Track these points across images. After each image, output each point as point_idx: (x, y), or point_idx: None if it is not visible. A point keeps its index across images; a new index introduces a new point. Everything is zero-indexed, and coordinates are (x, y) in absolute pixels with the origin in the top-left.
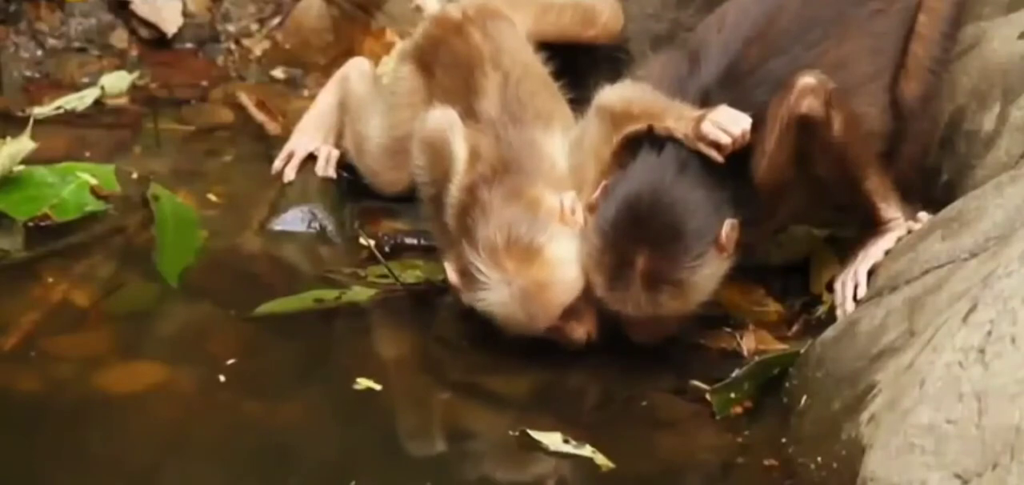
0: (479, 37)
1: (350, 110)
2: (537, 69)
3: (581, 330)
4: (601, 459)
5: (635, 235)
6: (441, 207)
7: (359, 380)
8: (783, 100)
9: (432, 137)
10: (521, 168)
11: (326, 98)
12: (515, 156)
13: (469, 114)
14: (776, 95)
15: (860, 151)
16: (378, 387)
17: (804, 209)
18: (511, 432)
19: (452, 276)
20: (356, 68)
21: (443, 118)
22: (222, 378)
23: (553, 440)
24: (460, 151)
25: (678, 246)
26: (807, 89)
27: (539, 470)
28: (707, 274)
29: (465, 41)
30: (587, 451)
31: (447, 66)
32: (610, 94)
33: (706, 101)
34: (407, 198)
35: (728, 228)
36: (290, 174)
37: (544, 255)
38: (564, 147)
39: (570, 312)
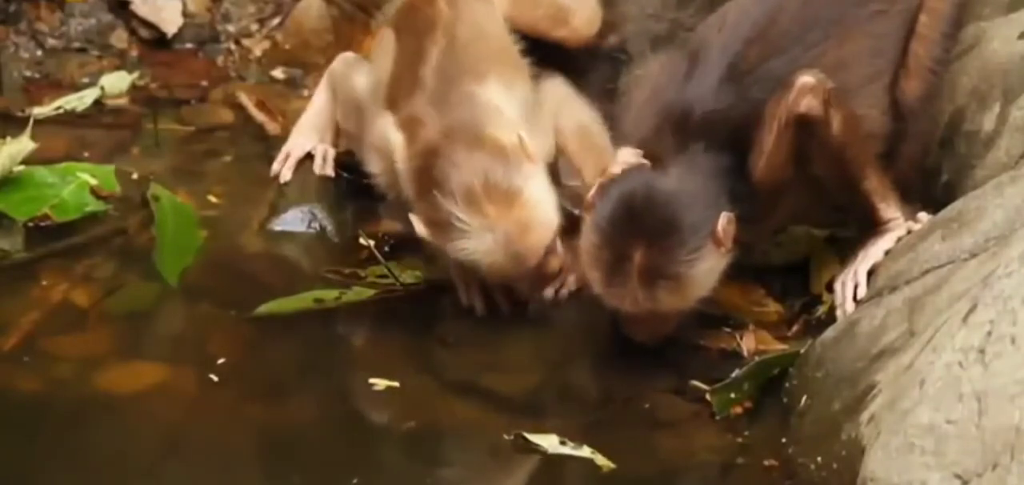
0: (443, 5)
1: (337, 90)
2: (497, 41)
3: (556, 261)
4: (601, 459)
5: (631, 231)
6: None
7: (358, 380)
8: (781, 99)
9: (378, 144)
10: (469, 119)
11: (320, 97)
12: (458, 112)
13: (414, 82)
14: (775, 94)
15: (859, 151)
16: (378, 387)
17: (803, 208)
18: (505, 436)
19: (421, 229)
20: (342, 60)
21: (381, 125)
22: (216, 378)
23: (550, 442)
24: (395, 138)
25: (674, 240)
26: (806, 88)
27: (539, 471)
28: (704, 269)
29: (431, 7)
30: (585, 452)
31: (408, 33)
32: (568, 116)
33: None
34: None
35: (725, 222)
36: (287, 174)
37: (524, 196)
38: (508, 98)
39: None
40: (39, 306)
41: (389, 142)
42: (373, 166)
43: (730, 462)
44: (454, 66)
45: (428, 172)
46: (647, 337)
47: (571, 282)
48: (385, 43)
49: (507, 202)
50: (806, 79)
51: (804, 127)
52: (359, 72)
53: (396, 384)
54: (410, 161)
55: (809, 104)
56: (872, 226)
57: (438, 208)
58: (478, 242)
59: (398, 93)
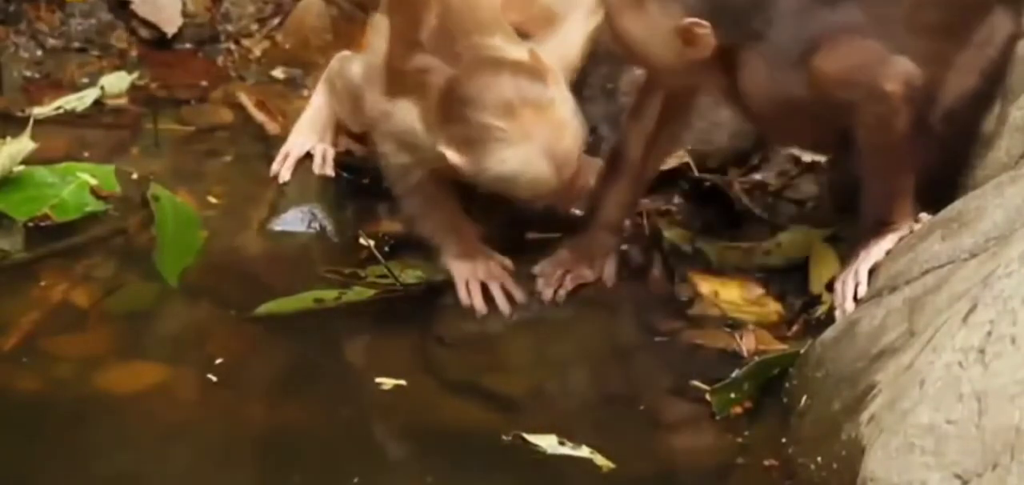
0: None
1: (336, 87)
2: (491, 10)
3: (581, 175)
4: (600, 459)
5: None
6: (432, 187)
7: (359, 380)
8: (868, 65)
9: (392, 132)
10: (484, 53)
11: (318, 97)
12: (469, 55)
13: (414, 47)
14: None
15: (904, 150)
16: (385, 386)
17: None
18: (504, 436)
19: (454, 155)
20: (339, 59)
21: (388, 111)
22: (216, 378)
23: (549, 442)
24: (409, 119)
25: None
26: (902, 74)
27: (539, 471)
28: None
29: None
30: (585, 452)
31: (399, 11)
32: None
33: None
34: None
35: (693, 25)
36: (285, 175)
37: (556, 103)
38: (509, 42)
39: None
40: (39, 306)
41: (404, 116)
42: (393, 157)
43: (730, 462)
44: (455, 26)
45: (453, 99)
46: None
47: (570, 282)
48: (379, 28)
49: (541, 109)
50: (907, 66)
51: (869, 98)
52: (355, 62)
53: (403, 382)
54: (428, 100)
55: (894, 88)
56: (877, 223)
57: (471, 124)
58: (518, 150)
59: (398, 62)
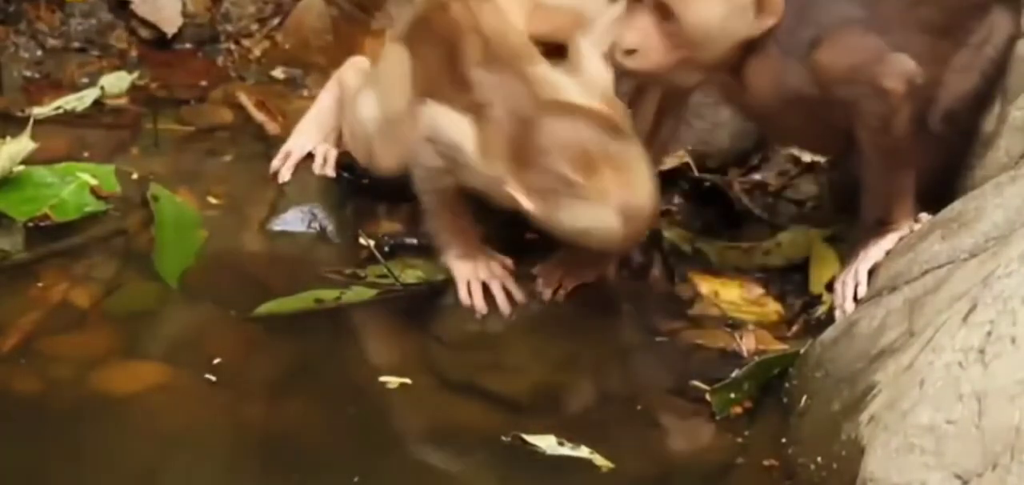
0: (460, 9)
1: (346, 105)
2: (519, 35)
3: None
4: (599, 459)
5: None
6: (454, 195)
7: (359, 380)
8: (868, 61)
9: (433, 138)
10: (549, 91)
11: (325, 98)
12: (531, 89)
13: (459, 84)
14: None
15: (904, 150)
16: (378, 387)
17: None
18: (503, 437)
19: (526, 201)
20: (353, 67)
21: (437, 118)
22: (216, 378)
23: (548, 442)
24: (462, 135)
25: None
26: (903, 69)
27: (539, 470)
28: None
29: (447, 16)
30: (584, 452)
31: (431, 44)
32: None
33: None
34: (407, 198)
35: None
36: (285, 174)
37: (634, 162)
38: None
39: None
40: (39, 306)
41: (454, 139)
42: (426, 159)
43: (730, 462)
44: (500, 56)
45: (527, 144)
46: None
47: (570, 282)
48: (393, 59)
49: (620, 166)
50: (908, 65)
51: (867, 96)
52: (365, 99)
53: (408, 381)
54: (492, 141)
55: (895, 86)
56: (877, 223)
57: (548, 174)
58: (594, 207)
59: (439, 96)
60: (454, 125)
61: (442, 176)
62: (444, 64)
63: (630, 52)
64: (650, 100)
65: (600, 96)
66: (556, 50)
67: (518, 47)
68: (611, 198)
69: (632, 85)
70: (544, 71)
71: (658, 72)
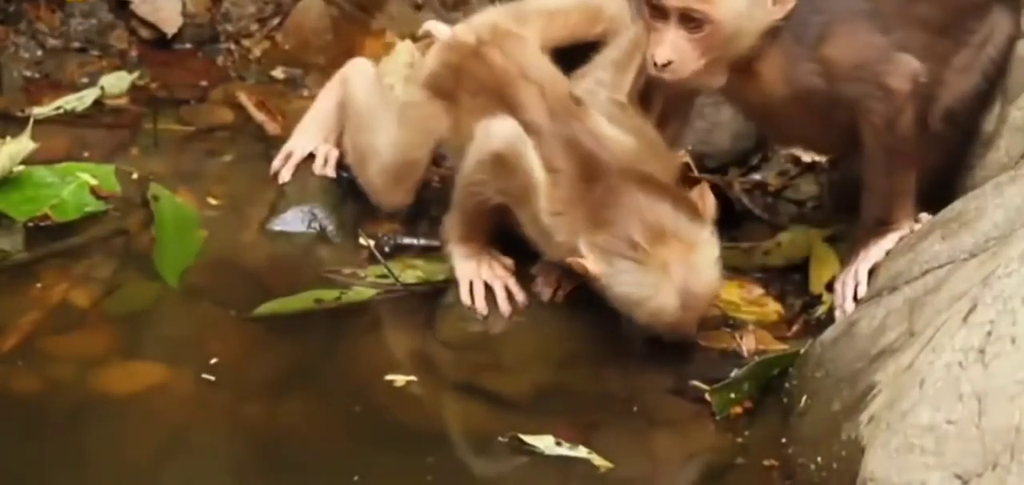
0: (499, 58)
1: (352, 117)
2: (560, 78)
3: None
4: (598, 459)
5: None
6: (491, 207)
7: (359, 380)
8: (874, 59)
9: (502, 150)
10: (623, 156)
11: (326, 98)
12: (599, 147)
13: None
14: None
15: (907, 150)
16: (377, 386)
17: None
18: (501, 438)
19: (591, 264)
20: (357, 70)
21: (511, 131)
22: (215, 378)
23: (546, 443)
24: (535, 164)
25: None
26: (908, 71)
27: (539, 470)
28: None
29: (486, 64)
30: (582, 452)
31: (473, 91)
32: None
33: None
34: None
35: None
36: (286, 175)
37: (702, 246)
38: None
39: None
40: (39, 306)
41: (527, 165)
42: (485, 172)
43: (730, 462)
44: (557, 107)
45: (603, 206)
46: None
47: (570, 282)
48: (416, 105)
49: (690, 248)
50: (913, 65)
51: (873, 96)
52: (384, 133)
53: (413, 378)
54: (559, 192)
55: (900, 84)
56: (878, 223)
57: (616, 235)
58: (652, 278)
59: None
60: (532, 155)
61: (492, 193)
62: (497, 106)
63: (665, 66)
64: (655, 103)
65: (673, 169)
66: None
67: (569, 98)
68: (672, 274)
69: (635, 88)
70: (606, 129)
71: (693, 79)
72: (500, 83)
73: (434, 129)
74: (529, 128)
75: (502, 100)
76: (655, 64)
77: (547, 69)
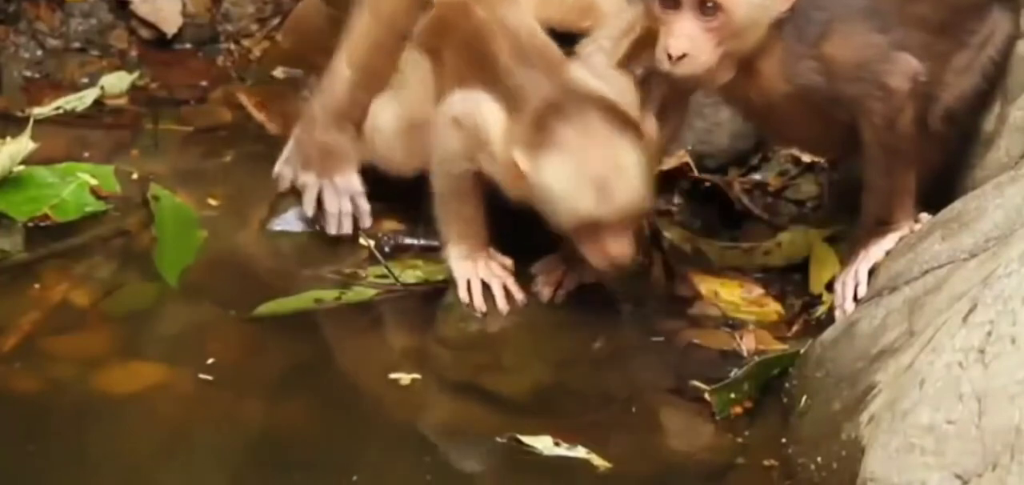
0: (484, 12)
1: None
2: (542, 36)
3: (632, 248)
4: (597, 460)
5: None
6: (469, 185)
7: (358, 380)
8: (874, 58)
9: (458, 114)
10: (585, 89)
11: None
12: (563, 91)
13: (492, 83)
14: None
15: (907, 149)
16: (377, 386)
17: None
18: (498, 438)
19: (520, 156)
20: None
21: (467, 98)
22: (215, 378)
23: (544, 443)
24: (491, 118)
25: None
26: (907, 70)
27: (538, 470)
28: None
29: (471, 19)
30: (581, 452)
31: (457, 47)
32: None
33: None
34: (407, 198)
35: None
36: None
37: (631, 157)
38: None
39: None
40: (39, 306)
41: (484, 122)
42: (448, 142)
43: (730, 462)
44: (532, 55)
45: (548, 113)
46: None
47: (569, 282)
48: (412, 64)
49: (618, 150)
50: (913, 64)
51: (873, 95)
52: (382, 107)
53: (417, 376)
54: (516, 127)
55: (900, 83)
56: (878, 223)
57: (548, 131)
58: (572, 164)
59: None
60: (484, 108)
61: (460, 161)
62: (473, 61)
63: (680, 59)
64: (653, 100)
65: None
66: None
67: (544, 49)
68: (593, 166)
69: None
70: (587, 78)
71: (707, 72)
72: (481, 38)
73: (429, 87)
74: (503, 81)
75: (482, 55)
76: (669, 57)
77: (528, 25)
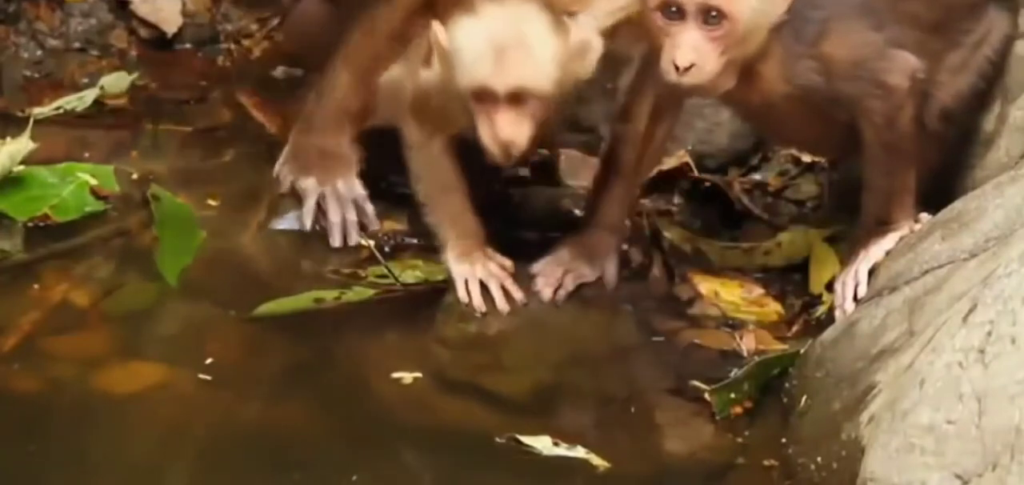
0: None
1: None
2: None
3: (532, 138)
4: (596, 460)
5: None
6: (448, 167)
7: (358, 380)
8: (872, 56)
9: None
10: None
11: None
12: None
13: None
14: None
15: (907, 148)
16: (377, 386)
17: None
18: (498, 438)
19: (439, 32)
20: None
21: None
22: (213, 378)
23: (544, 443)
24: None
25: None
26: (906, 68)
27: (538, 470)
28: None
29: None
30: (580, 452)
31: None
32: None
33: None
34: (407, 198)
35: None
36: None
37: (537, 28)
38: None
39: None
40: (39, 306)
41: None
42: (407, 125)
43: (730, 462)
44: None
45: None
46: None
47: (570, 281)
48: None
49: (524, 21)
50: (913, 62)
51: (872, 94)
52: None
53: (419, 374)
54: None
55: (898, 82)
56: (878, 222)
57: (463, 9)
58: (477, 26)
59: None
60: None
61: (429, 143)
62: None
63: (687, 70)
64: (645, 104)
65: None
66: None
67: None
68: (496, 34)
69: (626, 90)
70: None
71: (713, 81)
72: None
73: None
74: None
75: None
76: (676, 68)
77: None
